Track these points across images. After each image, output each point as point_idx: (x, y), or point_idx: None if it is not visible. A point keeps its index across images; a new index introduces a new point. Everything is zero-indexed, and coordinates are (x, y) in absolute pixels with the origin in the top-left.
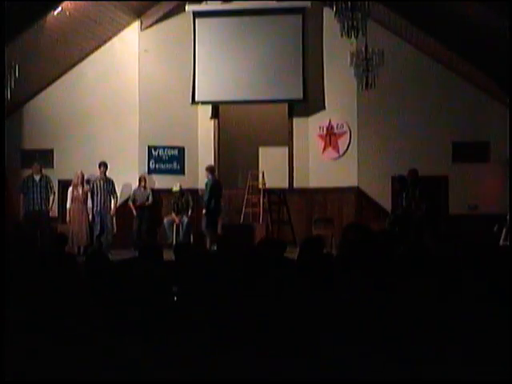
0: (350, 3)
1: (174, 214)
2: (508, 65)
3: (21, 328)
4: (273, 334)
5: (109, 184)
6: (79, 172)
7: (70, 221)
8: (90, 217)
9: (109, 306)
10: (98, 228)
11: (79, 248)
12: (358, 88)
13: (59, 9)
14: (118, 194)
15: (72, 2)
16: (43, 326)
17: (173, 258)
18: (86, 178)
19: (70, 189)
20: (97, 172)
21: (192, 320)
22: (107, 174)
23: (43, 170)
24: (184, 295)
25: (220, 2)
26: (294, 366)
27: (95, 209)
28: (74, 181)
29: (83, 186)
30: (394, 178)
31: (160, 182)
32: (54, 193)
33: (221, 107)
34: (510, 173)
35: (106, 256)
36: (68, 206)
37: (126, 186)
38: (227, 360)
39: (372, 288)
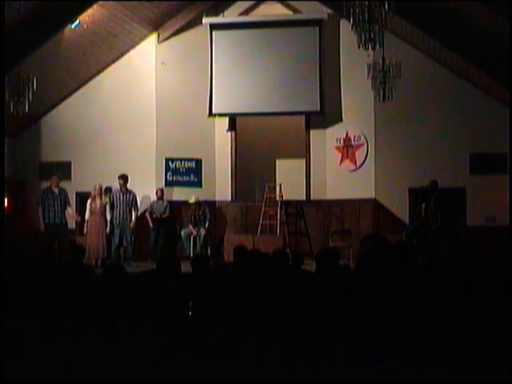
0: (367, 15)
1: (191, 226)
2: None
3: (36, 338)
4: (290, 347)
5: (129, 196)
6: (97, 184)
7: (87, 233)
8: (108, 229)
9: (124, 318)
10: (116, 240)
11: (96, 260)
12: (375, 100)
13: (77, 22)
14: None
15: (89, 15)
16: (59, 336)
17: (190, 270)
18: (105, 189)
19: (89, 201)
20: (115, 184)
21: (206, 331)
22: (127, 186)
23: (61, 183)
24: (201, 307)
25: (237, 13)
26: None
27: (115, 221)
28: (92, 193)
29: (101, 198)
30: (411, 190)
31: (177, 194)
32: (70, 206)
33: (238, 119)
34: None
35: (123, 268)
36: (86, 217)
37: (144, 198)
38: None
39: (391, 299)
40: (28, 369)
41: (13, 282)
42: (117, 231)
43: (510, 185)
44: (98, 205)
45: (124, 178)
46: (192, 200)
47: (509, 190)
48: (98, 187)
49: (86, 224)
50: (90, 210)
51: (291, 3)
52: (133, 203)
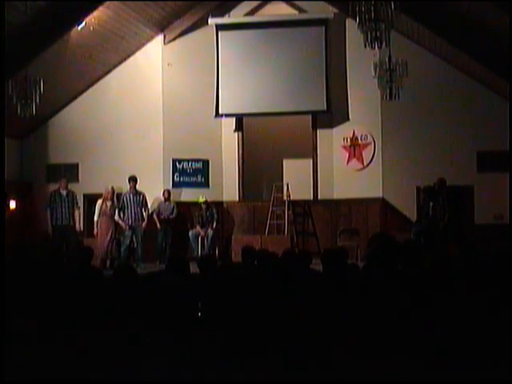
0: (373, 14)
1: (199, 227)
2: None
3: (39, 338)
4: (298, 346)
5: (140, 197)
6: (110, 186)
7: (97, 234)
8: (117, 230)
9: (133, 318)
10: (127, 241)
11: (105, 261)
12: (381, 99)
13: (83, 24)
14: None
15: (95, 16)
16: (63, 337)
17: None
18: (115, 192)
19: (99, 202)
20: (123, 185)
21: (214, 332)
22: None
23: (68, 185)
24: (209, 308)
25: (243, 13)
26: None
27: (127, 222)
28: (105, 195)
29: (113, 201)
30: (418, 189)
31: (185, 194)
32: (79, 208)
33: (244, 119)
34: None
35: (134, 269)
36: (95, 218)
37: (152, 199)
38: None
39: (399, 298)
40: (28, 369)
41: (20, 282)
42: (128, 232)
43: (510, 183)
44: (109, 206)
45: (134, 180)
46: (201, 200)
47: (509, 189)
48: (110, 189)
49: (96, 225)
50: (100, 211)
51: (297, 3)
52: (143, 204)
